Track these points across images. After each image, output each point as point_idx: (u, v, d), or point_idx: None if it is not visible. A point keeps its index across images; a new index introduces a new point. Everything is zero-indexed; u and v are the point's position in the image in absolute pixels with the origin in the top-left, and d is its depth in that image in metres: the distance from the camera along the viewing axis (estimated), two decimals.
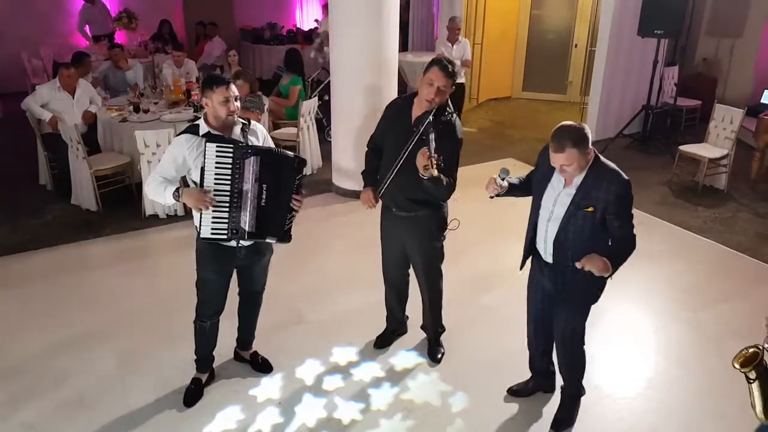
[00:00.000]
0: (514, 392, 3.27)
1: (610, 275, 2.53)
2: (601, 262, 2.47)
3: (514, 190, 2.87)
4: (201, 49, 9.33)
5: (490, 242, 4.94)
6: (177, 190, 2.76)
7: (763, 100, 7.59)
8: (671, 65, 8.10)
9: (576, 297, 2.78)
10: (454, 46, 6.81)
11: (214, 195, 2.77)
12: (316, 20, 10.99)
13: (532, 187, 2.82)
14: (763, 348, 2.09)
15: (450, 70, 2.90)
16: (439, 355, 3.54)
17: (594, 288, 2.75)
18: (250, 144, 2.87)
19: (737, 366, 2.11)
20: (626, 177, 2.57)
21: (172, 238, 5.02)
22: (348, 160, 5.78)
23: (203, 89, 2.85)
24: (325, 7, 10.31)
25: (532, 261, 2.93)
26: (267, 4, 11.32)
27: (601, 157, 2.60)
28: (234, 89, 2.82)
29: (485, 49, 8.81)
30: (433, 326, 3.55)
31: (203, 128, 2.85)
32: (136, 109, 5.60)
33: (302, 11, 11.99)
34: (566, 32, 9.55)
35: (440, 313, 3.52)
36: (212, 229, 2.81)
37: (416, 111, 3.03)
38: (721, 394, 3.23)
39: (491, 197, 2.85)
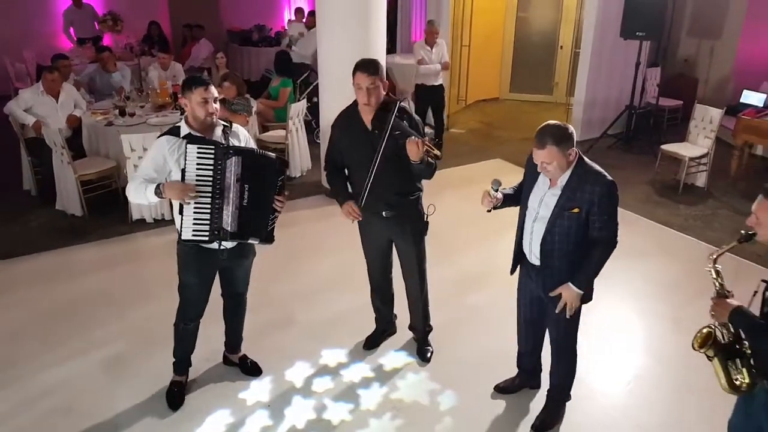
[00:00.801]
0: (501, 389, 3.31)
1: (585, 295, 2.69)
2: (572, 297, 2.67)
3: (509, 201, 2.90)
4: (188, 52, 9.31)
5: (477, 242, 4.99)
6: (158, 186, 2.75)
7: (742, 100, 7.72)
8: (653, 66, 8.22)
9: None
10: (433, 49, 6.88)
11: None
12: (290, 20, 10.88)
13: (522, 190, 2.86)
14: (715, 327, 2.23)
15: (371, 68, 2.96)
16: (428, 355, 3.58)
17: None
18: (231, 145, 2.87)
19: (696, 347, 2.26)
20: (610, 178, 2.60)
21: (159, 242, 5.01)
22: None
23: (183, 90, 2.86)
24: (297, 11, 10.24)
25: (521, 265, 2.96)
26: (255, 5, 11.29)
27: (585, 159, 2.64)
28: (213, 91, 2.83)
29: (473, 51, 8.87)
30: (422, 325, 3.59)
31: (184, 130, 2.85)
32: (122, 113, 5.58)
33: (290, 13, 11.97)
34: (552, 34, 9.64)
35: (428, 309, 3.57)
36: (194, 230, 2.81)
37: (366, 116, 3.07)
38: (701, 389, 3.28)
39: (488, 211, 2.88)
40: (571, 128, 2.57)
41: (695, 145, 6.14)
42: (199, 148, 2.76)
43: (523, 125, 8.58)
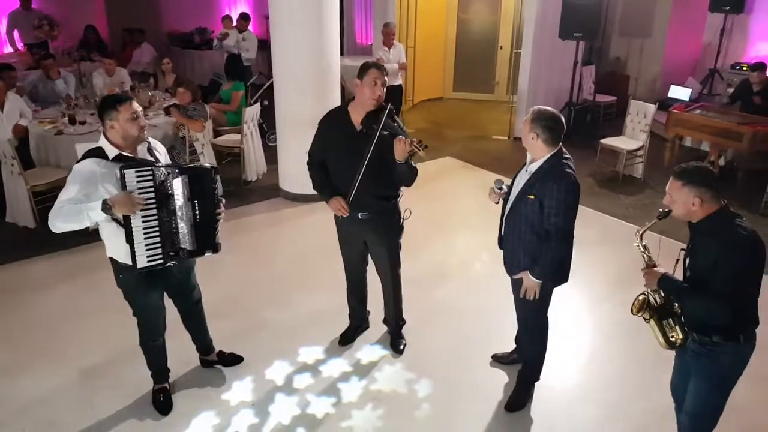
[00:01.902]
0: (497, 358, 3.60)
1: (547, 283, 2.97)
2: (530, 284, 2.93)
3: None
4: (128, 56, 9.08)
5: (436, 238, 5.18)
6: (104, 203, 2.55)
7: (670, 95, 8.31)
8: (588, 65, 8.69)
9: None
10: (391, 50, 7.08)
11: (143, 222, 2.67)
12: (225, 32, 9.27)
13: None
14: (648, 293, 2.55)
15: (381, 67, 3.15)
16: (402, 347, 3.73)
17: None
18: (168, 163, 2.84)
19: (635, 312, 2.57)
20: (573, 180, 2.79)
21: None
22: (295, 165, 5.87)
23: (105, 111, 2.71)
24: (224, 19, 9.51)
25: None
26: (194, 8, 11.09)
27: (564, 159, 2.82)
28: (136, 105, 2.75)
29: (417, 51, 9.11)
30: (395, 318, 3.74)
31: (111, 150, 2.71)
32: (72, 121, 5.44)
33: (231, 15, 11.83)
34: (491, 35, 10.00)
35: (401, 305, 3.72)
36: (148, 257, 2.72)
37: (356, 116, 3.18)
38: (651, 362, 3.57)
39: (496, 203, 3.12)
40: (558, 125, 2.77)
41: (632, 139, 6.58)
42: (137, 172, 2.65)
43: (468, 123, 8.89)
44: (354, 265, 3.60)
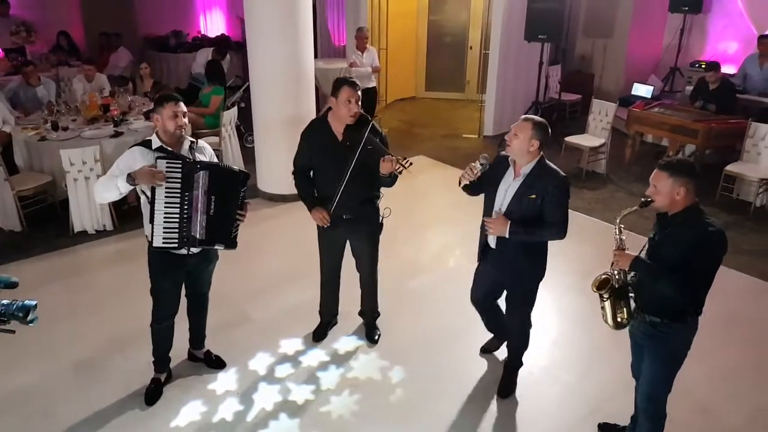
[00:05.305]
0: (485, 350, 3.85)
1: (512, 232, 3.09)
2: (501, 227, 3.08)
3: (477, 186, 3.23)
4: (105, 60, 9.18)
5: (409, 234, 5.45)
6: (129, 175, 2.95)
7: (633, 92, 8.67)
8: (554, 64, 9.02)
9: (519, 279, 3.29)
10: (364, 54, 7.33)
11: (165, 207, 3.02)
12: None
13: (487, 188, 3.24)
14: (612, 274, 2.76)
15: (356, 85, 3.32)
16: (376, 337, 4.00)
17: (535, 269, 3.29)
18: (197, 160, 3.14)
19: (595, 289, 2.78)
20: (564, 174, 3.10)
21: (104, 252, 5.11)
22: (272, 166, 6.10)
23: (155, 106, 3.11)
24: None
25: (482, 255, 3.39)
26: (170, 11, 11.20)
27: (546, 160, 3.12)
28: (182, 106, 3.09)
29: (390, 53, 9.36)
30: (371, 311, 4.00)
31: (156, 143, 3.10)
32: (55, 127, 5.58)
33: (206, 18, 11.97)
34: (461, 36, 10.30)
35: (377, 298, 3.98)
36: (164, 238, 3.07)
37: (337, 127, 3.38)
38: (607, 346, 3.90)
39: (464, 186, 3.22)
40: (548, 131, 3.06)
41: (594, 136, 6.93)
42: (168, 163, 3.01)
43: (440, 122, 9.17)
44: (332, 263, 3.81)
